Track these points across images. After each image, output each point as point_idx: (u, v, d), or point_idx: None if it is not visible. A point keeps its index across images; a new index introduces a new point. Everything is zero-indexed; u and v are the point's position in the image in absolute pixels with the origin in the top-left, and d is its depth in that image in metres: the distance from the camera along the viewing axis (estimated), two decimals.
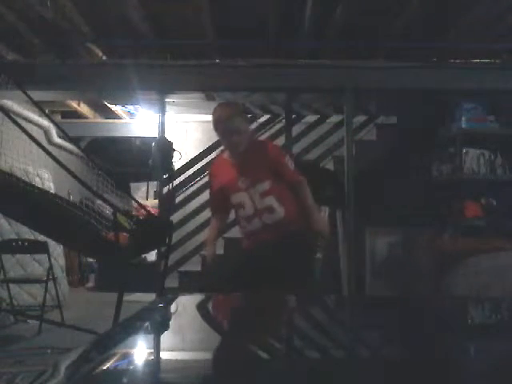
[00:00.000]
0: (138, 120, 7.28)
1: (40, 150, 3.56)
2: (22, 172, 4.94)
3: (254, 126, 5.31)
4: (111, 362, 0.93)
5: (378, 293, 4.70)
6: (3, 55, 4.73)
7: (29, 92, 4.14)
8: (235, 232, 3.41)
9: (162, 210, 4.83)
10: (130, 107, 7.12)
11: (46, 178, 5.98)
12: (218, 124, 2.99)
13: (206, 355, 1.02)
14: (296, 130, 5.51)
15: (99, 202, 4.15)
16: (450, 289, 3.94)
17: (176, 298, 1.51)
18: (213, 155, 5.34)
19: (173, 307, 1.42)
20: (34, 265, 5.56)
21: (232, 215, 3.28)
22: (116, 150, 8.67)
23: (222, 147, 3.69)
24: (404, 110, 5.24)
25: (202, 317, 1.41)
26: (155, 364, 0.94)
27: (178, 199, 5.15)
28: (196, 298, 1.57)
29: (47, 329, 4.53)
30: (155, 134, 4.93)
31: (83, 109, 6.83)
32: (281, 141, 5.31)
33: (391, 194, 4.83)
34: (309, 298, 1.97)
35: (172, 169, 4.89)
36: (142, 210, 4.59)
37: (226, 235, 4.71)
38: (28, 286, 5.33)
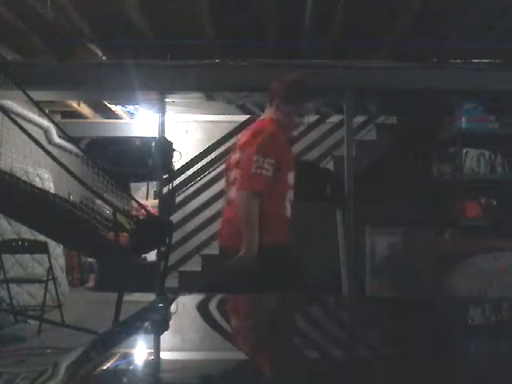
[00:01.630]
0: (137, 120, 7.28)
1: (40, 150, 3.56)
2: (22, 172, 4.93)
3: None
4: (111, 361, 0.93)
5: (378, 293, 4.70)
6: (3, 55, 4.73)
7: (29, 92, 4.14)
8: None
9: (161, 210, 4.83)
10: (130, 107, 7.12)
11: (45, 178, 5.97)
12: (304, 96, 2.63)
13: (206, 355, 1.02)
14: None
15: (99, 201, 4.16)
16: (449, 289, 3.94)
17: (176, 297, 1.51)
18: (213, 155, 5.34)
19: (173, 307, 1.42)
20: (34, 265, 5.55)
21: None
22: (116, 150, 8.65)
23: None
24: (404, 110, 5.24)
25: (202, 317, 1.41)
26: (155, 364, 0.94)
27: (178, 199, 5.15)
28: (196, 297, 1.57)
29: (47, 329, 4.52)
30: (155, 134, 4.93)
31: (83, 109, 6.82)
32: None
33: (391, 193, 4.84)
34: (309, 298, 1.97)
35: (172, 169, 4.89)
36: (142, 210, 4.59)
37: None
38: (28, 286, 5.32)
